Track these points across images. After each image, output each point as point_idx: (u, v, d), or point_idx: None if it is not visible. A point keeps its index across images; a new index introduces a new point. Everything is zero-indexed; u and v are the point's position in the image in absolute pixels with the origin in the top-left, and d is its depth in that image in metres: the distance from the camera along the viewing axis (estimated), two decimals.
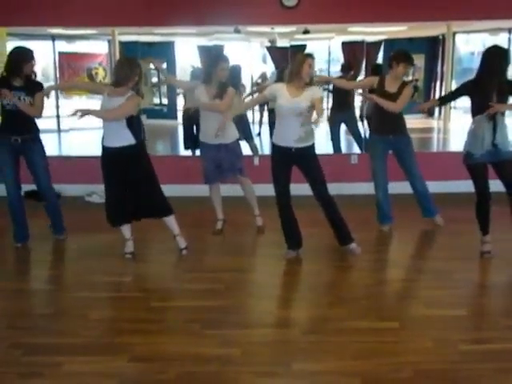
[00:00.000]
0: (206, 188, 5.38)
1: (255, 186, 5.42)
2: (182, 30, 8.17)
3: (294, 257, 4.67)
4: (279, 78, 7.16)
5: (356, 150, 7.78)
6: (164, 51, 10.57)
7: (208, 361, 3.11)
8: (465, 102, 4.57)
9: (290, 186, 4.60)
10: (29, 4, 6.43)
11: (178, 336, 3.43)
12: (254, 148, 7.24)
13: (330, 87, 7.88)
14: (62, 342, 3.36)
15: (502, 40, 8.61)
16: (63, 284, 4.44)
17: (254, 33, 8.32)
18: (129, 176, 4.52)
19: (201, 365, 3.08)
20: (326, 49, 10.65)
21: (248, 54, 10.13)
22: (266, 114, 8.77)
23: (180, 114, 9.10)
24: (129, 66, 4.47)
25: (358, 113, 8.64)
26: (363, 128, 7.89)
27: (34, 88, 4.84)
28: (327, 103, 7.98)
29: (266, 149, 8.11)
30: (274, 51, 9.62)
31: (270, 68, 10.28)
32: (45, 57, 9.60)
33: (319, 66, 10.88)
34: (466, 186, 4.62)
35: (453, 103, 7.05)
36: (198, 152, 6.00)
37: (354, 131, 7.80)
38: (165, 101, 11.20)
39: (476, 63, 4.59)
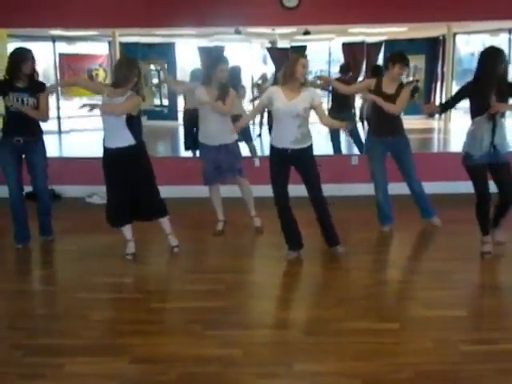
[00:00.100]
0: (207, 189, 5.38)
1: (256, 187, 5.42)
2: (183, 31, 8.19)
3: (294, 258, 4.67)
4: (275, 80, 7.18)
5: (356, 151, 7.79)
6: (164, 52, 10.60)
7: (209, 362, 3.11)
8: (465, 102, 4.57)
9: (288, 187, 4.60)
10: (29, 5, 6.44)
11: (179, 337, 3.43)
12: (252, 149, 7.26)
13: (331, 88, 7.88)
14: (62, 343, 3.36)
15: (502, 40, 8.62)
16: (64, 285, 4.44)
17: (254, 34, 8.34)
18: (129, 176, 4.53)
19: (202, 366, 3.08)
20: (326, 50, 10.68)
21: (248, 54, 10.16)
22: (266, 115, 8.77)
23: (180, 115, 9.12)
24: (127, 67, 4.48)
25: (358, 114, 8.67)
26: (364, 129, 7.90)
27: (38, 89, 4.86)
28: (327, 104, 7.99)
29: (266, 150, 8.08)
30: (275, 52, 9.64)
31: (270, 69, 10.30)
32: (45, 58, 9.62)
33: (320, 67, 10.92)
34: (467, 186, 4.62)
35: None
36: (198, 153, 6.01)
37: (352, 133, 7.79)
38: (165, 102, 11.22)
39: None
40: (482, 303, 4.03)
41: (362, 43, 9.82)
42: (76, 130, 10.66)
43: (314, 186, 4.58)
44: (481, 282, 4.42)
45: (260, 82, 10.37)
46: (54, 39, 9.77)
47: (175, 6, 6.52)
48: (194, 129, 6.70)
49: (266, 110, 8.30)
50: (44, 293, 4.33)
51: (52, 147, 5.24)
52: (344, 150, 8.11)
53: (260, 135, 9.63)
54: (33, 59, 4.83)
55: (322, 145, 7.22)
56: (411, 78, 10.09)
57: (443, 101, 7.04)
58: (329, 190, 4.78)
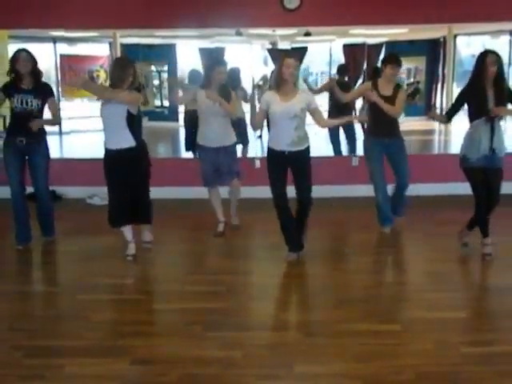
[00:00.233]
0: (207, 190, 5.39)
1: (256, 188, 5.44)
2: (184, 32, 8.19)
3: (295, 259, 4.67)
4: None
5: (357, 152, 7.77)
6: (165, 53, 10.60)
7: (209, 363, 3.11)
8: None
9: (286, 188, 4.60)
10: (30, 6, 6.44)
11: (180, 338, 3.43)
12: (245, 153, 7.30)
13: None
14: (63, 345, 3.36)
15: (503, 42, 8.62)
16: (64, 286, 4.44)
17: (255, 35, 8.34)
18: (129, 178, 4.53)
19: (202, 367, 3.08)
20: (327, 51, 10.68)
21: (249, 56, 10.15)
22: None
23: (181, 117, 9.12)
24: (121, 68, 4.47)
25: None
26: (363, 131, 7.89)
27: (44, 91, 4.89)
28: (327, 105, 7.98)
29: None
30: (276, 53, 9.62)
31: (271, 70, 10.30)
32: (46, 59, 9.61)
33: (320, 69, 10.92)
34: (467, 187, 4.62)
35: None
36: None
37: (348, 134, 7.77)
38: (166, 103, 11.22)
39: None
40: (482, 305, 4.03)
41: (362, 44, 9.82)
42: (77, 131, 10.65)
43: (304, 188, 4.57)
44: (481, 284, 4.42)
45: (261, 83, 10.36)
46: (54, 40, 9.77)
47: (176, 7, 6.53)
48: (195, 130, 6.71)
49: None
50: (44, 294, 4.33)
51: (53, 148, 5.23)
52: (344, 151, 8.09)
53: (260, 136, 9.61)
54: (30, 58, 4.80)
55: (319, 147, 7.20)
56: (412, 80, 10.10)
57: (444, 104, 7.06)
58: (329, 191, 4.77)
